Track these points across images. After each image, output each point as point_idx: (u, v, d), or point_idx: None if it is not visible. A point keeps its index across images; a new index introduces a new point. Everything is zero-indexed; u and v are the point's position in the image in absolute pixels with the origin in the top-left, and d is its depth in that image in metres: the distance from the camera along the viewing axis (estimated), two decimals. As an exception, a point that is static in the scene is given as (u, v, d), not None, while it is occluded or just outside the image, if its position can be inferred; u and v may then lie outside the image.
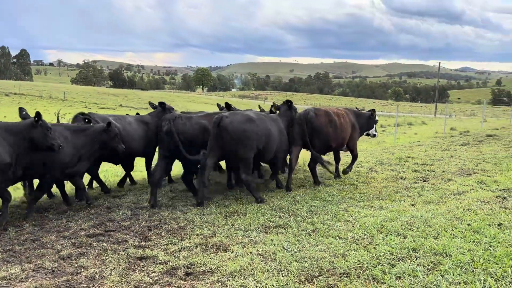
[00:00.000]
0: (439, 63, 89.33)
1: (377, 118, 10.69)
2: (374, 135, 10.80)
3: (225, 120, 7.23)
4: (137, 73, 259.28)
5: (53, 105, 43.71)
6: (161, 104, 9.28)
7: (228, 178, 8.87)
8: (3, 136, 5.98)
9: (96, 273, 4.50)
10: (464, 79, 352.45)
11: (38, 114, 6.24)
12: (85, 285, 4.24)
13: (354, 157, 9.92)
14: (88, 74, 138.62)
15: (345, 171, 9.69)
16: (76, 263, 4.79)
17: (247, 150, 7.33)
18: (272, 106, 9.17)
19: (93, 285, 4.23)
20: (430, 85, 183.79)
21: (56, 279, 4.38)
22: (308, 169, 9.22)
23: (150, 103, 9.66)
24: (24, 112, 6.76)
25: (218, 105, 10.41)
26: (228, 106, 9.30)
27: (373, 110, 10.50)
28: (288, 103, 8.79)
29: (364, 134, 10.60)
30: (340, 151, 10.10)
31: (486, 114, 32.53)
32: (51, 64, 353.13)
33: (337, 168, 9.84)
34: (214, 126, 7.25)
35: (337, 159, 10.01)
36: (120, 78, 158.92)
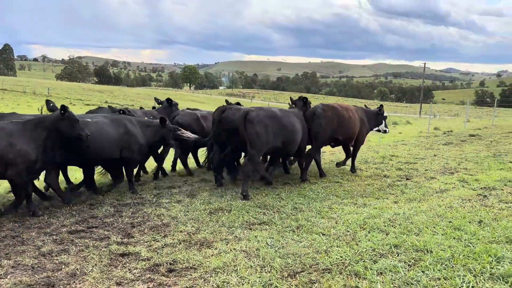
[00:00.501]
0: (424, 63, 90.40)
1: (385, 114, 10.93)
2: (385, 131, 11.05)
3: (251, 114, 7.76)
4: (123, 70, 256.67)
5: (36, 101, 43.04)
6: (168, 100, 9.60)
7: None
8: (30, 132, 6.17)
9: (77, 269, 4.46)
10: (448, 80, 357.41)
11: (63, 107, 6.46)
12: (65, 282, 4.19)
13: (354, 155, 10.27)
14: (73, 70, 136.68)
15: (338, 164, 10.05)
16: (57, 259, 4.74)
17: (263, 144, 7.78)
18: (290, 101, 9.73)
19: (74, 282, 4.19)
20: (415, 86, 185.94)
21: (36, 275, 4.32)
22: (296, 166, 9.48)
23: (156, 99, 10.16)
24: (51, 104, 7.17)
25: (226, 101, 10.64)
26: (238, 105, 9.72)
27: (381, 106, 10.86)
28: (304, 99, 9.30)
29: (375, 130, 10.92)
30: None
31: (469, 115, 33.04)
32: (35, 60, 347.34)
33: (344, 161, 10.11)
34: (241, 119, 7.72)
35: (348, 154, 10.19)
36: (105, 74, 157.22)
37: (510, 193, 7.57)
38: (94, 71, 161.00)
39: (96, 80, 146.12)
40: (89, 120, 7.21)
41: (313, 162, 9.49)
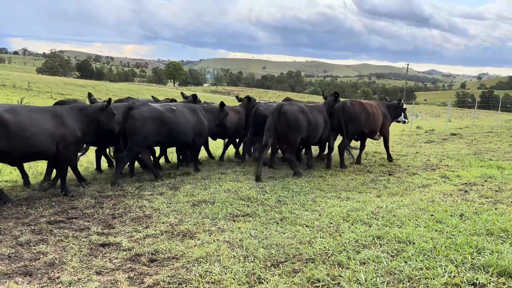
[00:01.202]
0: (408, 65, 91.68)
1: (404, 106, 12.01)
2: (404, 122, 12.26)
3: (285, 107, 8.75)
4: (106, 65, 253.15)
5: (16, 94, 42.09)
6: (194, 96, 10.44)
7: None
8: (77, 115, 6.96)
9: (55, 259, 4.35)
10: (430, 82, 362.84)
11: (109, 100, 7.39)
12: (43, 271, 4.09)
13: (387, 145, 11.42)
14: (54, 64, 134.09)
15: (389, 158, 11.21)
16: (35, 249, 4.62)
17: (296, 134, 8.76)
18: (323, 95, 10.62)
19: (52, 271, 4.08)
20: (398, 86, 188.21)
21: (13, 264, 4.20)
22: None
23: (182, 94, 11.07)
24: (92, 97, 8.27)
25: (237, 96, 11.39)
26: (249, 99, 10.84)
27: (400, 100, 12.03)
28: (335, 95, 9.97)
29: (395, 121, 11.99)
30: (373, 140, 11.59)
31: (450, 115, 33.58)
32: (15, 53, 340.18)
33: (359, 155, 10.92)
34: (275, 111, 8.72)
35: (362, 147, 11.14)
36: (88, 69, 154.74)
37: (490, 188, 7.71)
38: (76, 65, 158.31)
39: (78, 74, 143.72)
40: (174, 108, 8.50)
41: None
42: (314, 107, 9.58)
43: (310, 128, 9.01)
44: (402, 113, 11.81)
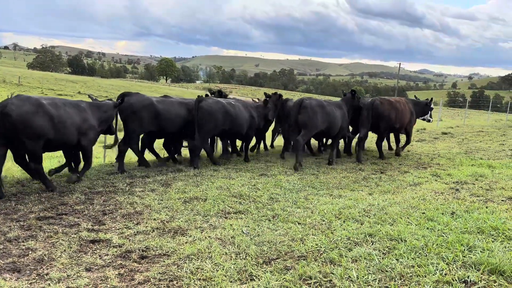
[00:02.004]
0: (399, 64, 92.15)
1: (432, 106, 12.85)
2: (429, 120, 13.02)
3: (305, 101, 9.68)
4: (97, 61, 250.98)
5: (6, 89, 41.56)
6: (220, 91, 11.17)
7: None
8: (96, 111, 7.63)
9: (44, 255, 4.29)
10: (422, 81, 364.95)
11: (123, 97, 8.41)
12: (32, 267, 4.03)
13: (408, 141, 12.30)
14: (45, 60, 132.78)
15: (397, 153, 11.78)
16: (24, 245, 4.55)
17: (314, 126, 9.62)
18: (343, 92, 11.47)
19: (41, 267, 4.02)
20: (390, 85, 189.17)
21: (1, 260, 4.13)
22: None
23: (210, 90, 11.75)
24: (93, 97, 8.50)
25: (265, 93, 11.94)
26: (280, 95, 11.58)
27: (431, 99, 12.98)
28: (352, 92, 10.89)
29: (420, 118, 12.64)
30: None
31: (442, 115, 33.80)
32: (6, 48, 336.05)
33: (397, 148, 11.94)
34: (296, 105, 9.67)
35: (397, 140, 12.14)
36: (79, 64, 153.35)
37: (481, 187, 7.76)
38: (67, 61, 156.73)
39: (70, 70, 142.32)
40: (233, 102, 9.89)
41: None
42: (332, 102, 10.65)
43: (329, 121, 9.88)
44: (429, 112, 12.65)
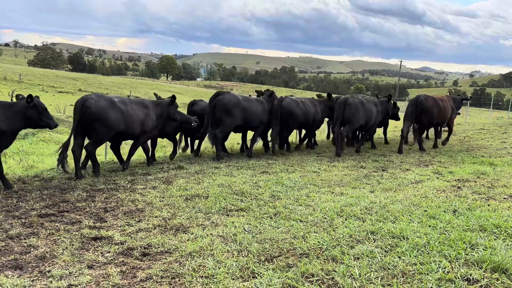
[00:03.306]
0: (401, 61, 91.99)
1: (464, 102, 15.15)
2: (459, 113, 14.56)
3: (350, 99, 11.30)
4: (98, 58, 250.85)
5: (7, 86, 41.54)
6: (269, 91, 11.72)
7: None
8: (151, 108, 8.73)
9: (46, 252, 4.29)
10: (423, 79, 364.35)
11: (174, 96, 9.19)
12: (34, 264, 4.02)
13: (450, 132, 13.66)
14: (46, 57, 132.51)
15: (444, 143, 13.28)
16: (26, 242, 4.55)
17: (356, 121, 11.30)
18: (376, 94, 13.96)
19: (43, 264, 4.02)
20: (391, 83, 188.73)
21: (3, 258, 4.13)
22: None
23: (257, 91, 12.29)
24: (158, 96, 9.75)
25: (256, 91, 12.59)
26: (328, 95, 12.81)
27: (467, 97, 15.77)
28: (388, 96, 13.09)
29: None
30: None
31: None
32: (6, 45, 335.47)
33: (435, 141, 13.29)
34: (341, 103, 11.20)
35: (439, 135, 13.46)
36: (80, 62, 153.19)
37: (483, 185, 7.74)
38: (68, 58, 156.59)
39: (70, 67, 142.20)
40: (303, 100, 11.83)
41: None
42: (371, 100, 12.28)
43: (367, 116, 11.52)
44: (461, 107, 14.46)
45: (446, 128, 13.89)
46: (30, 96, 6.79)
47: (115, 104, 7.83)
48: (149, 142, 9.46)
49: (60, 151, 7.51)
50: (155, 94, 10.09)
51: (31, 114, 6.77)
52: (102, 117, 7.56)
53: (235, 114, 9.99)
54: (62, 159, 7.42)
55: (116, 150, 8.80)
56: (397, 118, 14.55)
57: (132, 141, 8.75)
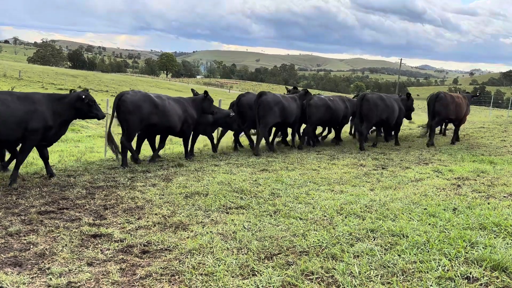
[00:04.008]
0: (401, 59, 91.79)
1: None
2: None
3: (368, 95, 12.06)
4: (98, 55, 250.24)
5: (7, 83, 41.45)
6: (295, 88, 13.22)
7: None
8: (180, 105, 9.32)
9: (46, 249, 4.29)
10: (423, 77, 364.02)
11: (206, 92, 9.84)
12: (33, 261, 4.02)
13: (458, 129, 14.34)
14: (46, 54, 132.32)
15: (457, 139, 14.11)
16: (25, 239, 4.55)
17: (374, 116, 11.90)
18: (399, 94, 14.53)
19: (43, 261, 4.02)
20: (391, 81, 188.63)
21: (2, 255, 4.13)
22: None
23: (287, 88, 13.61)
24: (194, 92, 10.32)
25: (294, 88, 13.77)
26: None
27: (476, 94, 17.36)
28: (408, 94, 14.02)
29: None
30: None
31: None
32: (6, 42, 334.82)
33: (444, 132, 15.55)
34: (360, 99, 11.97)
35: (457, 129, 14.21)
36: (80, 59, 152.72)
37: (482, 183, 7.74)
38: (67, 55, 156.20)
39: (70, 64, 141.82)
40: (332, 98, 12.51)
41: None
42: (391, 96, 13.10)
43: (388, 111, 12.18)
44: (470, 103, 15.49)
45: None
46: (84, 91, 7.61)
47: (150, 99, 8.63)
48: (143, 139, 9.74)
49: (107, 143, 8.66)
50: (192, 90, 10.77)
51: (81, 106, 7.39)
52: (135, 110, 8.38)
53: (276, 112, 10.83)
54: (114, 150, 8.50)
55: (151, 143, 9.75)
56: (409, 118, 15.12)
57: (172, 136, 9.81)
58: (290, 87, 14.02)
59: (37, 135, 6.88)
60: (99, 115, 7.69)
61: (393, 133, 14.04)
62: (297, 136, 12.69)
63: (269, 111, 10.68)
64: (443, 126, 16.84)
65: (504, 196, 6.82)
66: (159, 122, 8.81)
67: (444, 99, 12.77)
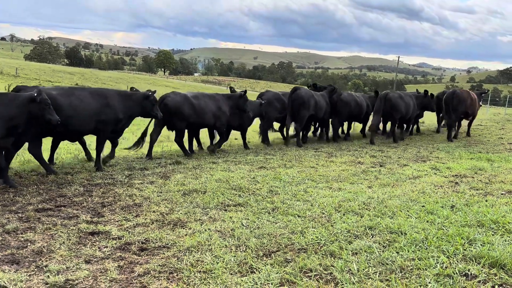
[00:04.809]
0: (398, 57, 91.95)
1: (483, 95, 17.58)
2: (480, 105, 16.08)
3: (389, 94, 12.88)
4: (95, 52, 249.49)
5: (3, 80, 41.28)
6: (315, 84, 13.82)
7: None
8: (215, 103, 10.02)
9: (43, 247, 4.26)
10: (421, 75, 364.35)
11: (245, 91, 10.58)
12: (31, 259, 4.00)
13: (471, 123, 15.94)
14: (43, 51, 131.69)
15: (468, 133, 15.73)
16: (22, 237, 4.52)
17: (397, 114, 12.92)
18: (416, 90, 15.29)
19: (40, 259, 4.00)
20: (389, 79, 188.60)
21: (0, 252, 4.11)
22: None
23: (314, 84, 14.03)
24: (232, 89, 11.41)
25: (309, 85, 14.47)
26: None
27: (488, 90, 18.79)
28: (425, 92, 14.65)
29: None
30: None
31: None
32: (3, 39, 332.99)
33: (457, 132, 14.99)
34: (382, 97, 12.65)
35: (459, 124, 15.22)
36: (77, 56, 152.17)
37: (480, 180, 7.76)
38: (65, 52, 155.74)
39: (67, 62, 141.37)
40: (358, 95, 14.23)
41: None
42: (408, 93, 14.30)
43: (406, 108, 13.14)
44: (481, 99, 16.54)
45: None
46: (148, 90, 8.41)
47: (188, 99, 9.39)
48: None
49: (141, 135, 9.23)
50: (230, 87, 11.71)
51: (146, 105, 8.21)
52: (177, 111, 9.16)
53: (310, 106, 11.65)
54: (139, 141, 9.16)
55: (190, 138, 10.38)
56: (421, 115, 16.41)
57: (169, 134, 10.31)
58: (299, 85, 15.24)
59: (109, 127, 7.81)
60: (158, 116, 8.46)
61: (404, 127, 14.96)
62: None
63: (304, 105, 11.47)
64: (441, 124, 17.30)
65: (502, 194, 6.84)
66: (196, 120, 9.56)
67: (461, 95, 13.88)
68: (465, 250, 4.31)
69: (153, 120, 9.23)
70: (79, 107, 7.26)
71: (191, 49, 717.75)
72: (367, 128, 14.41)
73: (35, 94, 6.22)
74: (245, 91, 10.55)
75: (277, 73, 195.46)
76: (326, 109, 12.42)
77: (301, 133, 12.28)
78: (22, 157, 8.63)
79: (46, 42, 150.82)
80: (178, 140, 9.61)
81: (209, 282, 3.63)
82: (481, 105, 16.08)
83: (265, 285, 3.62)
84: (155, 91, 8.45)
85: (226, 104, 10.14)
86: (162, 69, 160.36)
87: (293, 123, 11.77)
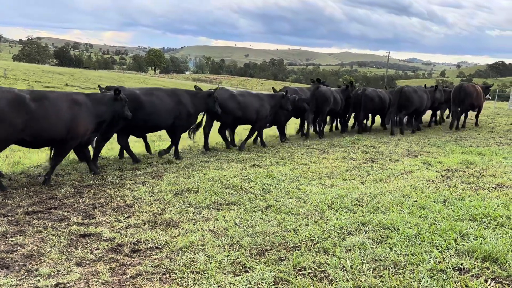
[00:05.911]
0: (388, 53, 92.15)
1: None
2: (488, 99, 17.79)
3: (405, 88, 14.21)
4: (84, 52, 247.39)
5: (-9, 82, 40.82)
6: (318, 80, 14.81)
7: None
8: (257, 100, 10.73)
9: (34, 250, 4.20)
10: (411, 70, 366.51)
11: (286, 91, 11.26)
12: (21, 263, 3.94)
13: (478, 115, 17.40)
14: (31, 51, 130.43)
15: (477, 124, 17.05)
16: (12, 240, 4.45)
17: (411, 108, 14.21)
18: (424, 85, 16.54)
19: (30, 263, 3.94)
20: (379, 75, 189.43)
21: (-12, 257, 4.04)
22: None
23: (317, 79, 14.95)
24: (275, 90, 12.49)
25: (313, 80, 15.42)
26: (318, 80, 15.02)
27: (490, 85, 20.22)
28: (436, 86, 16.28)
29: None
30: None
31: (431, 102, 33.98)
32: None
33: (464, 122, 16.41)
34: (398, 92, 14.11)
35: (466, 116, 16.44)
36: (66, 56, 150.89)
37: (471, 174, 7.80)
38: (54, 52, 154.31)
39: (56, 62, 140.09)
40: (380, 91, 15.30)
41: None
42: (421, 88, 15.29)
43: (420, 101, 14.30)
44: (488, 93, 18.73)
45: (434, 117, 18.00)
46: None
47: (234, 97, 10.22)
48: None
49: (193, 128, 9.94)
50: (272, 88, 12.94)
51: (209, 102, 9.35)
52: (223, 107, 9.77)
53: (330, 102, 12.93)
54: (192, 133, 10.05)
55: (231, 132, 11.14)
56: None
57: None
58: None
59: (184, 122, 8.99)
60: (219, 111, 9.50)
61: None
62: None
63: (326, 101, 12.82)
64: (433, 118, 18.10)
65: (493, 187, 6.88)
66: (241, 115, 10.33)
67: (468, 89, 15.25)
68: (457, 244, 4.33)
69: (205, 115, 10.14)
70: (160, 105, 8.49)
71: (181, 47, 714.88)
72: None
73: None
74: (287, 91, 11.30)
75: (269, 71, 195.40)
76: (341, 104, 13.80)
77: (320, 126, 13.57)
78: (12, 159, 8.53)
79: (35, 42, 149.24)
80: (221, 131, 10.60)
81: (202, 283, 3.60)
82: (489, 98, 17.94)
83: (259, 284, 3.60)
84: (216, 89, 9.55)
85: (268, 103, 10.84)
86: (153, 68, 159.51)
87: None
